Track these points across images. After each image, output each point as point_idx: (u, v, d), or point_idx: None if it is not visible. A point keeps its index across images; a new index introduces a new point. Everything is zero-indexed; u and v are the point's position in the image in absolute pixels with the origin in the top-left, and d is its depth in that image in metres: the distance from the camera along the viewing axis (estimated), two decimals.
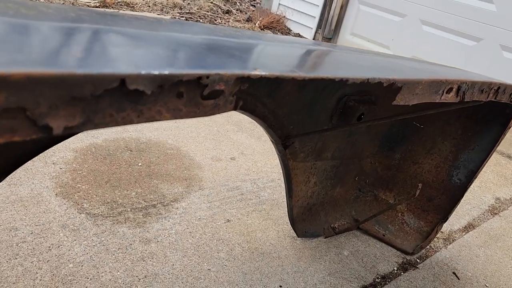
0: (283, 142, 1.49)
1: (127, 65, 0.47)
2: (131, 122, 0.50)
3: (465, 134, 1.75)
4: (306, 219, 1.78)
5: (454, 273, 1.77)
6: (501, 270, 1.87)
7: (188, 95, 0.53)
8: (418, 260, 1.82)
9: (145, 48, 0.56)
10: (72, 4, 4.47)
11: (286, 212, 1.78)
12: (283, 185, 2.09)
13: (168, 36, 0.64)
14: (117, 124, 0.49)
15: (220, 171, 2.12)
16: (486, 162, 1.73)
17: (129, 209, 1.71)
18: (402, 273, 1.71)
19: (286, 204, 1.77)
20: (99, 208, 1.68)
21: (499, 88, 1.24)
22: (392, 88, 0.84)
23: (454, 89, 1.03)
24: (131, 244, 1.55)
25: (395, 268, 1.73)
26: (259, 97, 1.24)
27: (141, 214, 1.70)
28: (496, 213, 2.33)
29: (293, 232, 1.76)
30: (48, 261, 1.41)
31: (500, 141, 1.69)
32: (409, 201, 1.86)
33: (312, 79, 0.63)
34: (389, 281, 1.65)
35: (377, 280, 1.64)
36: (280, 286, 1.51)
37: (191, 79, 0.50)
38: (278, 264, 1.61)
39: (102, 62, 0.47)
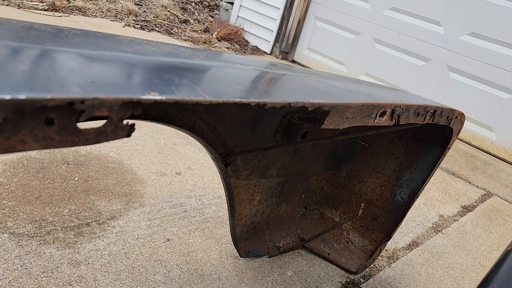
0: (224, 159, 1.43)
1: None
2: None
3: (408, 154, 1.76)
4: (250, 238, 1.73)
5: None
6: None
7: (60, 122, 0.45)
8: (362, 280, 1.80)
9: (9, 65, 0.47)
10: (19, 6, 4.25)
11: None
12: None
13: (52, 51, 0.56)
14: None
15: (163, 187, 2.03)
16: (428, 181, 1.75)
17: (59, 228, 1.59)
18: None
19: None
20: (25, 227, 1.55)
21: (435, 111, 1.24)
22: (319, 111, 0.81)
23: (388, 113, 1.01)
24: (57, 267, 1.43)
25: None
26: (198, 112, 1.18)
27: (72, 233, 1.59)
28: (439, 231, 2.37)
29: (236, 252, 1.70)
30: None
31: (441, 161, 1.72)
32: (352, 220, 1.85)
33: (221, 103, 0.58)
34: None
35: None
36: None
37: (60, 104, 0.42)
38: (218, 287, 1.54)
39: None
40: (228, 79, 0.79)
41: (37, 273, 1.39)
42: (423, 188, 1.77)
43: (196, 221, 1.86)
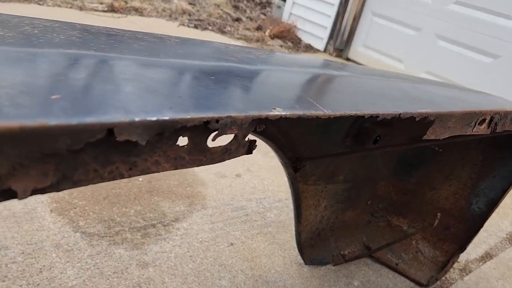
0: (294, 164, 1.39)
1: (115, 110, 0.37)
2: (121, 176, 0.40)
3: (486, 161, 1.64)
4: (314, 245, 1.68)
5: None
6: None
7: (193, 141, 0.44)
8: None
9: (141, 82, 0.46)
10: (80, 8, 4.43)
11: (293, 236, 1.68)
12: (290, 205, 1.99)
13: (171, 64, 0.55)
14: (102, 180, 0.39)
15: (224, 189, 2.02)
16: (509, 191, 1.62)
17: (127, 229, 1.62)
18: None
19: (293, 227, 1.67)
20: (95, 226, 1.59)
21: None
22: (424, 122, 0.75)
23: (486, 121, 0.93)
24: (127, 268, 1.45)
25: None
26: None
27: (139, 234, 1.61)
28: None
29: (300, 258, 1.65)
30: (38, 284, 1.32)
31: None
32: (426, 230, 1.75)
33: (339, 117, 0.54)
34: None
35: None
36: None
37: (197, 124, 0.41)
38: None
39: (82, 106, 0.37)
40: (332, 88, 0.75)
41: (109, 273, 1.41)
42: (504, 198, 1.64)
43: (258, 225, 1.83)
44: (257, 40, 5.09)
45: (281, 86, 0.57)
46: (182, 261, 1.54)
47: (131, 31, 0.64)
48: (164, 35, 0.66)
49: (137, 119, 0.37)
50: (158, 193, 1.87)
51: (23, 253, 1.41)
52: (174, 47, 0.61)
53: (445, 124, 0.80)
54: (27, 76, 0.40)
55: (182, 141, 0.43)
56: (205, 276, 1.50)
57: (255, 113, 0.46)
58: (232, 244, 1.68)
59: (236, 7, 6.09)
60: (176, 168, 0.43)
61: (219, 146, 0.46)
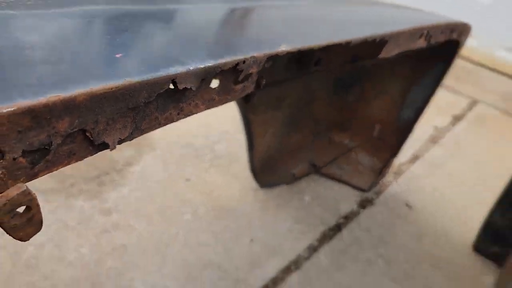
0: (245, 96, 1.43)
1: (171, 62, 0.44)
2: (171, 121, 0.49)
3: (413, 73, 1.79)
4: (267, 169, 1.78)
5: (406, 204, 1.90)
6: (444, 197, 2.03)
7: (222, 83, 0.51)
8: (374, 196, 1.91)
9: (173, 31, 0.55)
10: None
11: (245, 165, 1.77)
12: (237, 136, 2.06)
13: (182, 10, 0.60)
14: (159, 125, 0.48)
15: (168, 128, 2.01)
16: (432, 97, 1.81)
17: (81, 180, 1.60)
18: (362, 210, 1.80)
19: (243, 157, 1.76)
20: (47, 182, 1.55)
21: (453, 28, 1.26)
22: (380, 42, 0.83)
23: (423, 35, 1.03)
24: (91, 217, 1.46)
25: (355, 207, 1.81)
26: None
27: (95, 183, 1.60)
28: (435, 142, 2.49)
29: (255, 184, 1.76)
30: (4, 247, 1.30)
31: (443, 77, 1.76)
32: (366, 142, 1.92)
33: (325, 47, 0.62)
34: (351, 220, 1.73)
35: (340, 221, 1.71)
36: (251, 241, 1.52)
37: (230, 67, 0.49)
38: (246, 220, 1.62)
39: (144, 62, 0.44)
40: (298, 19, 0.80)
41: (74, 224, 1.41)
42: (428, 105, 1.83)
43: (208, 158, 1.89)
44: None
45: (279, 23, 0.61)
46: (143, 203, 1.57)
47: None
48: None
49: (191, 68, 0.44)
50: None
51: None
52: None
53: (396, 42, 0.89)
54: (97, 37, 0.44)
55: (213, 83, 0.49)
56: (168, 213, 1.56)
57: (269, 51, 0.53)
58: (188, 179, 1.73)
59: None
60: (208, 108, 0.51)
61: (239, 85, 0.52)
